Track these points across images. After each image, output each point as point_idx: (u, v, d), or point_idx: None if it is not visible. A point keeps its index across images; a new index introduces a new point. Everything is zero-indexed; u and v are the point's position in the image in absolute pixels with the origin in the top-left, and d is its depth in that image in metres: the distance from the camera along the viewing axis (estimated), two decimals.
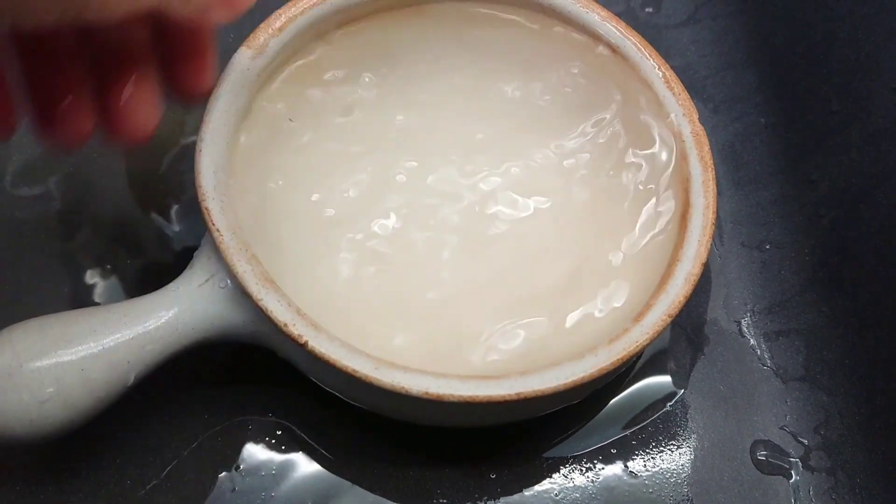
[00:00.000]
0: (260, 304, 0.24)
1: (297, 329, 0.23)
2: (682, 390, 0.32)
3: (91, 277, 0.32)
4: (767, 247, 0.35)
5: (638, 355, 0.25)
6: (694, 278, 0.25)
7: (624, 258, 0.29)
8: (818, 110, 0.33)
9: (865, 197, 0.31)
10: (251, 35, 0.28)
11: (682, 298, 0.25)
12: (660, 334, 0.25)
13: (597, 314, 0.27)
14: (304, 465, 0.29)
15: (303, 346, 0.23)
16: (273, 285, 0.24)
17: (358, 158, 0.31)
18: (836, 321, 0.32)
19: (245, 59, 0.28)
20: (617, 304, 0.28)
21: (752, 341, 0.33)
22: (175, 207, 0.34)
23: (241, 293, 0.24)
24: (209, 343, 0.26)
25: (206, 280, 0.25)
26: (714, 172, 0.27)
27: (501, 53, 0.31)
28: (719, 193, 0.35)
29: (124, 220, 0.33)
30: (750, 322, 0.34)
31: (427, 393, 0.23)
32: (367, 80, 0.31)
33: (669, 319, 0.25)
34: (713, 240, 0.35)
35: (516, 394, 0.23)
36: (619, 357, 0.24)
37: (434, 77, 0.32)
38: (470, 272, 0.29)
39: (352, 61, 0.31)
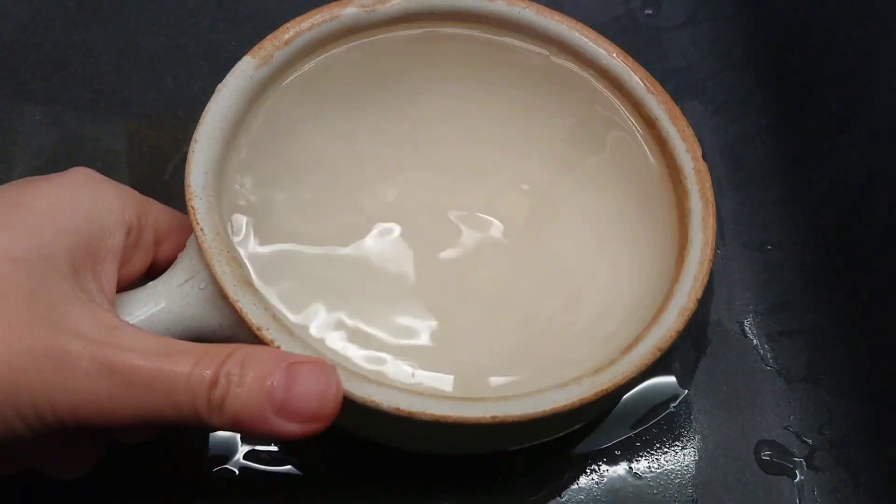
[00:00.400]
0: (235, 305, 0.23)
1: (271, 334, 0.23)
2: (686, 391, 0.32)
3: None
4: (769, 248, 0.35)
5: (625, 387, 0.24)
6: (688, 313, 0.25)
7: (623, 288, 0.29)
8: (818, 111, 0.33)
9: (866, 197, 0.31)
10: (258, 45, 0.28)
11: (673, 333, 0.25)
12: (648, 367, 0.24)
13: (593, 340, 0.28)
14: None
15: None
16: (251, 288, 0.24)
17: (358, 173, 0.31)
18: (839, 321, 0.32)
19: (249, 67, 0.28)
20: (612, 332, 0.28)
21: (755, 342, 0.33)
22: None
23: (220, 295, 0.24)
24: None
25: (187, 280, 0.25)
26: (714, 209, 0.27)
27: (508, 80, 0.32)
28: (721, 194, 0.36)
29: None
30: (753, 323, 0.34)
31: (398, 409, 0.22)
32: (371, 95, 0.32)
33: (659, 353, 0.24)
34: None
35: (491, 417, 0.22)
36: (602, 388, 0.23)
37: (440, 96, 0.32)
38: (468, 297, 0.29)
39: (357, 77, 0.31)
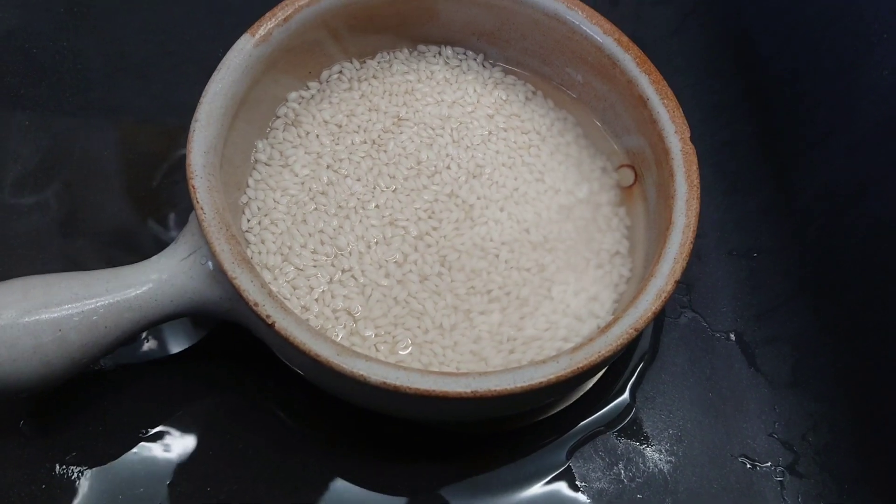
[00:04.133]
0: (234, 282, 0.24)
1: (266, 310, 0.24)
2: (673, 397, 0.32)
3: None
4: (755, 254, 0.35)
5: (602, 365, 0.25)
6: (665, 295, 0.25)
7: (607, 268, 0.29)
8: (803, 119, 0.33)
9: (851, 205, 0.31)
10: (256, 22, 0.28)
11: (650, 314, 0.25)
12: (624, 346, 0.25)
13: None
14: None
15: (270, 327, 0.24)
16: (248, 265, 0.25)
17: (354, 154, 0.31)
18: (824, 328, 0.32)
19: (247, 45, 0.28)
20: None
21: (740, 348, 0.34)
22: (171, 216, 0.34)
23: (219, 270, 0.25)
24: (187, 315, 0.27)
25: (189, 255, 0.26)
26: (699, 192, 0.27)
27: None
28: (707, 202, 0.36)
29: (122, 227, 0.34)
30: (739, 329, 0.34)
31: (385, 383, 0.23)
32: (372, 76, 0.32)
33: (635, 333, 0.25)
34: (698, 249, 0.35)
35: (471, 392, 0.23)
36: (579, 365, 0.24)
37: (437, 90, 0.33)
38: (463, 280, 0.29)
39: (358, 57, 0.32)
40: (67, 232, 0.33)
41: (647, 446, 0.31)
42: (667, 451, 0.31)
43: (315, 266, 0.29)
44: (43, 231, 0.33)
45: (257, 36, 0.28)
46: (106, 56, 0.37)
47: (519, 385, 0.23)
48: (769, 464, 0.31)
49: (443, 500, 0.29)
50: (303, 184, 0.30)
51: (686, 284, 0.35)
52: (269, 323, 0.24)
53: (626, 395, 0.32)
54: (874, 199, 0.30)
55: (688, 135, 0.28)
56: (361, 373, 0.23)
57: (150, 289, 0.25)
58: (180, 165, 0.35)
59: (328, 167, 0.31)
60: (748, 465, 0.31)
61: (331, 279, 0.29)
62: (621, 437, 0.31)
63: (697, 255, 0.35)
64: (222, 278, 0.25)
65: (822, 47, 0.33)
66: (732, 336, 0.34)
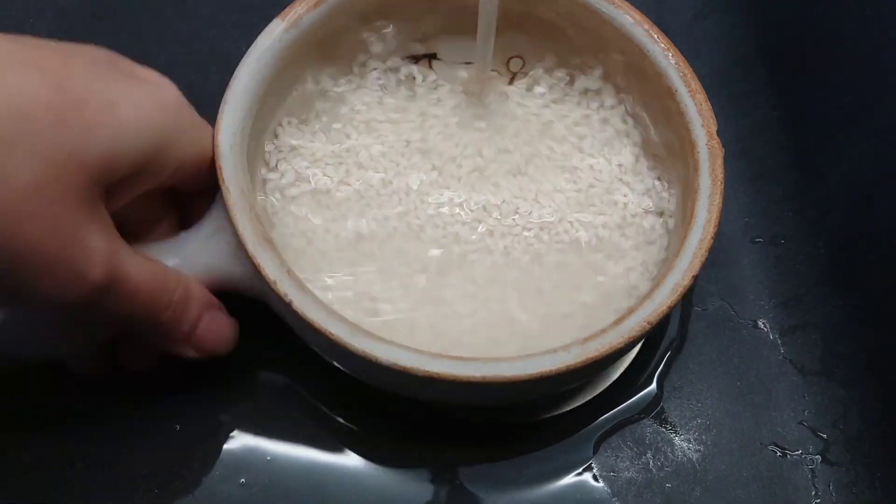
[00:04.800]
0: (254, 260, 0.25)
1: (284, 287, 0.24)
2: (701, 386, 0.32)
3: None
4: (781, 241, 0.35)
5: (613, 356, 0.25)
6: (682, 289, 0.25)
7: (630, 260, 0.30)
8: (829, 105, 0.33)
9: (877, 191, 0.31)
10: (287, 7, 0.29)
11: (664, 308, 0.25)
12: (636, 339, 0.25)
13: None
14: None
15: (288, 305, 0.24)
16: (269, 244, 0.25)
17: (381, 142, 0.32)
18: (851, 315, 0.32)
19: (277, 30, 0.28)
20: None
21: (769, 336, 0.33)
22: None
23: (241, 249, 0.25)
24: (212, 291, 0.27)
25: (214, 233, 0.26)
26: (723, 187, 0.27)
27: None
28: (733, 189, 0.35)
29: None
30: (766, 317, 0.34)
31: (396, 364, 0.24)
32: (402, 68, 0.32)
33: (649, 326, 0.25)
34: (724, 237, 0.35)
35: (481, 377, 0.23)
36: (590, 356, 0.24)
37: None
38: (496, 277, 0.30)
39: (389, 47, 0.32)
40: None
41: (676, 435, 0.31)
42: (695, 440, 0.31)
43: (338, 250, 0.29)
44: None
45: (287, 20, 0.28)
46: (130, 57, 0.38)
47: (528, 373, 0.24)
48: (799, 452, 0.31)
49: (467, 491, 0.30)
50: (327, 168, 0.31)
51: (713, 272, 0.35)
52: (287, 301, 0.24)
53: (653, 385, 0.32)
54: None
55: (714, 129, 0.27)
56: (374, 354, 0.24)
57: (176, 264, 0.26)
58: None
59: (353, 152, 0.31)
60: (778, 454, 0.31)
61: (353, 262, 0.29)
62: (649, 426, 0.31)
63: (723, 244, 0.35)
64: (244, 257, 0.25)
65: (846, 32, 0.33)
66: (761, 324, 0.34)
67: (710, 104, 0.28)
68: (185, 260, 0.26)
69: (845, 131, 0.32)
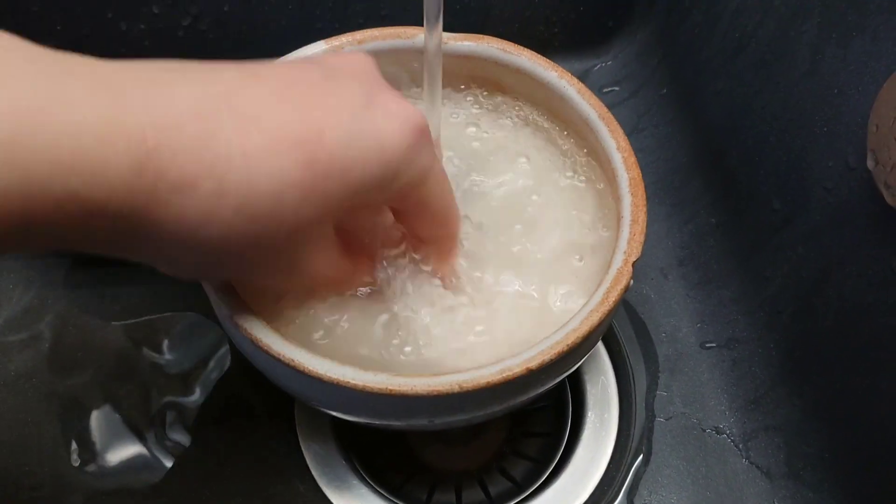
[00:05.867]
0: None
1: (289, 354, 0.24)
2: (671, 500, 0.32)
3: None
4: (735, 344, 0.35)
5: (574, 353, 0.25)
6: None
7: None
8: (762, 209, 0.34)
9: (816, 291, 0.31)
10: (334, 36, 0.30)
11: (553, 355, 0.24)
12: (588, 335, 0.25)
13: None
14: None
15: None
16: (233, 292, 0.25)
17: None
18: (811, 413, 0.32)
19: (319, 50, 0.30)
20: None
21: (732, 442, 0.33)
22: None
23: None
24: None
25: None
26: (640, 249, 0.27)
27: None
28: (682, 294, 0.36)
29: None
30: (727, 422, 0.34)
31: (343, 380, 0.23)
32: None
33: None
34: (679, 344, 0.35)
35: (459, 385, 0.23)
36: (552, 356, 0.24)
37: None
38: None
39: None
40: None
41: None
42: None
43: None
44: None
45: (330, 46, 0.30)
46: None
47: (494, 377, 0.23)
48: None
49: None
50: None
51: (671, 379, 0.35)
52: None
53: (622, 499, 0.32)
54: (835, 285, 0.30)
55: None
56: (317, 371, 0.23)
57: None
58: None
59: None
60: None
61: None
62: None
63: (678, 350, 0.35)
64: None
65: (768, 141, 0.34)
66: (723, 430, 0.34)
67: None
68: None
69: (779, 234, 0.33)
